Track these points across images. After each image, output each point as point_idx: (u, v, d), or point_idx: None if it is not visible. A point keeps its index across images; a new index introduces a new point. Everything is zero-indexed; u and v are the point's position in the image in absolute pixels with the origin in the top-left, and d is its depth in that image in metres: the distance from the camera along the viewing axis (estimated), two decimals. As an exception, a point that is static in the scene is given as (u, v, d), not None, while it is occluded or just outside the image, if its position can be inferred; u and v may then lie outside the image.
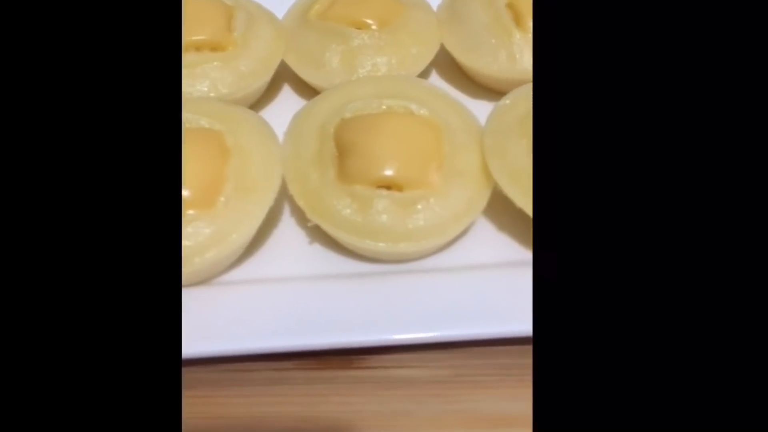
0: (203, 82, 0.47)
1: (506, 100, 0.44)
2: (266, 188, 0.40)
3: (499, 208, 0.42)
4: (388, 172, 0.39)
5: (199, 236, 0.37)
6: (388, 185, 0.39)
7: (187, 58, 0.47)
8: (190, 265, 0.37)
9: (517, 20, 0.49)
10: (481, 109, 0.45)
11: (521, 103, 0.44)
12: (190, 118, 0.41)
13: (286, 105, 0.53)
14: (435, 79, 0.55)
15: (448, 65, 0.55)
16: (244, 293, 0.40)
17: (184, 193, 0.38)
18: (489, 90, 0.53)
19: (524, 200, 0.39)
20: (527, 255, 0.42)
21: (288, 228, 0.44)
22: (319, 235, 0.43)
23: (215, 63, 0.48)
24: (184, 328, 0.37)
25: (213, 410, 0.37)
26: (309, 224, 0.40)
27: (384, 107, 0.43)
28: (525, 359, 0.38)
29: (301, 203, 0.40)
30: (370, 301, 0.39)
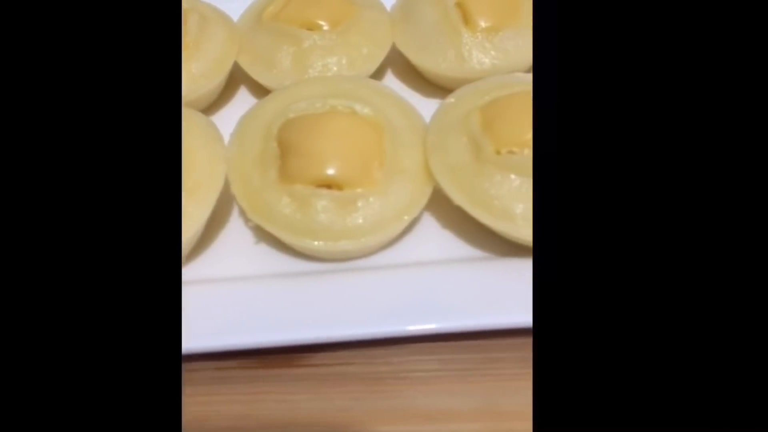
0: (154, 84, 0.48)
1: (451, 99, 0.45)
2: (208, 189, 0.40)
3: (444, 205, 0.42)
4: (328, 171, 0.39)
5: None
6: (329, 184, 0.40)
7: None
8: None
9: (466, 19, 0.49)
10: (433, 108, 0.46)
11: (465, 101, 0.44)
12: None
13: (242, 107, 0.53)
14: (390, 78, 0.56)
15: (403, 65, 0.55)
16: (187, 294, 0.40)
17: None
18: (442, 89, 0.53)
19: (461, 197, 0.39)
20: (471, 251, 0.42)
21: (234, 229, 0.44)
22: (265, 235, 0.43)
23: (165, 66, 0.48)
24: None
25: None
26: (249, 224, 0.40)
27: (328, 107, 0.43)
28: (465, 354, 0.39)
29: (243, 204, 0.40)
30: (312, 299, 0.39)
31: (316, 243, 0.38)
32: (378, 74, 0.55)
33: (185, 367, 0.38)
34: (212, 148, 0.42)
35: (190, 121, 0.43)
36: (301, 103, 0.43)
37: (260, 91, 0.54)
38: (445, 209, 0.43)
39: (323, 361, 0.39)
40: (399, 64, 0.55)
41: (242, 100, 0.55)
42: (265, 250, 0.43)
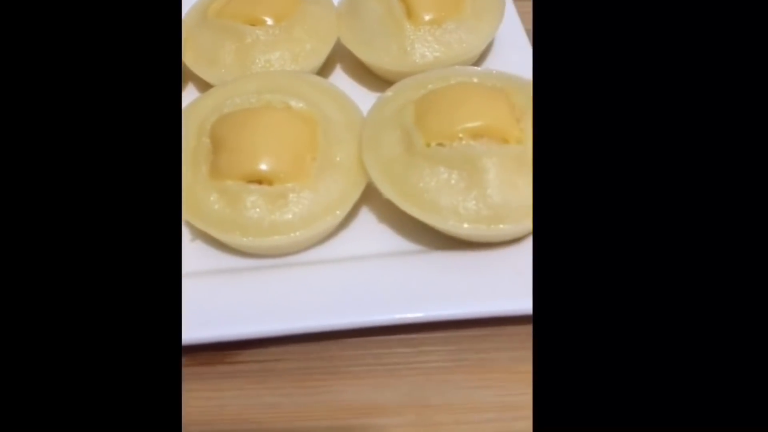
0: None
1: (389, 92, 0.45)
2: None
3: (379, 199, 0.42)
4: (258, 167, 0.39)
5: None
6: (259, 180, 0.39)
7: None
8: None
9: (409, 13, 0.49)
10: (378, 103, 0.45)
11: (402, 94, 0.44)
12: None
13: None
14: (338, 73, 0.56)
15: (351, 60, 0.55)
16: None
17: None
18: (389, 83, 0.53)
19: (391, 191, 0.39)
20: (406, 245, 0.42)
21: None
22: (200, 232, 0.43)
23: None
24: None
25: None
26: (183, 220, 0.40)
27: (263, 102, 0.43)
28: (399, 349, 0.38)
29: (175, 201, 0.40)
30: (243, 295, 0.39)
31: (245, 239, 0.38)
32: (326, 69, 0.54)
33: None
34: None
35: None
36: (236, 98, 0.43)
37: (206, 88, 0.54)
38: (381, 203, 0.42)
39: (253, 358, 0.39)
40: (347, 59, 0.55)
41: (188, 99, 0.54)
42: (198, 246, 0.43)
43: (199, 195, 0.39)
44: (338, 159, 0.41)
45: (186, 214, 0.39)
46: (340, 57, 0.55)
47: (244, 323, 0.37)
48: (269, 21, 0.51)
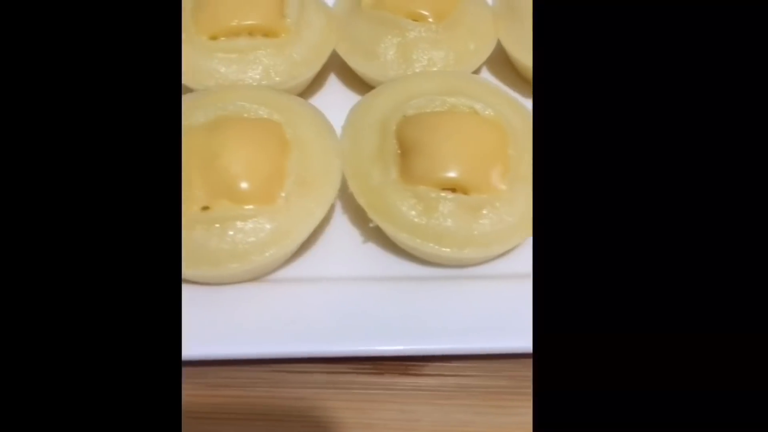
0: (255, 69, 0.46)
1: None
2: (326, 184, 0.38)
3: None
4: (454, 174, 0.38)
5: (260, 233, 0.36)
6: (453, 187, 0.38)
7: (240, 43, 0.46)
8: (248, 262, 0.36)
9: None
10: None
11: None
12: (247, 107, 0.40)
13: (334, 96, 0.52)
14: (486, 76, 0.54)
15: (499, 62, 0.53)
16: (298, 292, 0.38)
17: (244, 185, 0.36)
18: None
19: None
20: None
21: (341, 226, 0.43)
22: (372, 234, 0.41)
23: (269, 50, 0.46)
24: (236, 326, 0.36)
25: (275, 409, 0.36)
26: (371, 225, 0.39)
27: (447, 105, 0.41)
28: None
29: (361, 201, 0.38)
30: (425, 306, 0.38)
31: (442, 249, 0.37)
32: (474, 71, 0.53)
33: (299, 368, 0.37)
34: (325, 141, 0.40)
35: (301, 110, 0.42)
36: (419, 99, 0.42)
37: (352, 79, 0.52)
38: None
39: (438, 371, 0.38)
40: (495, 60, 0.53)
41: (334, 89, 0.53)
42: (372, 249, 0.41)
43: (391, 199, 0.38)
44: (525, 170, 0.39)
45: (376, 217, 0.38)
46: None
47: (426, 338, 0.36)
48: (430, 17, 0.49)
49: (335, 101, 0.49)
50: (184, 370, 0.36)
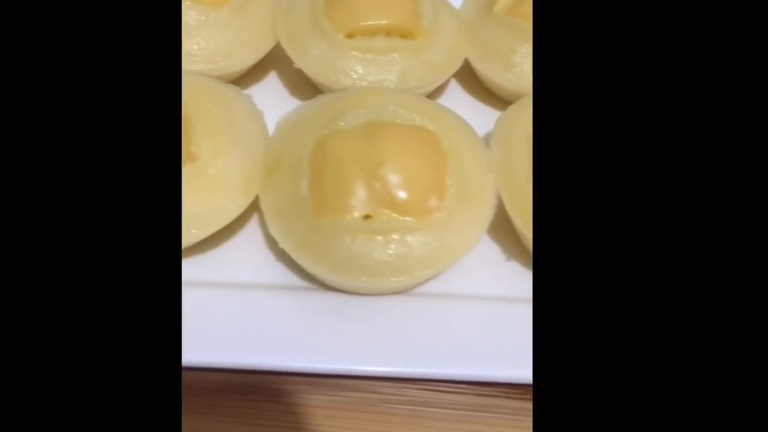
0: (391, 71, 0.44)
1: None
2: (484, 201, 0.37)
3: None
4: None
5: (425, 248, 0.35)
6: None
7: (377, 43, 0.44)
8: (411, 278, 0.35)
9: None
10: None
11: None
12: (401, 113, 0.38)
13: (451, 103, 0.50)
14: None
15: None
16: (445, 308, 0.37)
17: (407, 196, 0.35)
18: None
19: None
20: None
21: (483, 242, 0.41)
22: (515, 252, 0.40)
23: (406, 52, 0.44)
24: (393, 341, 0.35)
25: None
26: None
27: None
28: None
29: (520, 223, 0.37)
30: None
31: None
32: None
33: (441, 387, 0.36)
34: (477, 153, 0.39)
35: (450, 119, 0.40)
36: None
37: (473, 84, 0.51)
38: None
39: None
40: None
41: (456, 95, 0.51)
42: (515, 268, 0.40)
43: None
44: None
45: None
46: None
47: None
48: (566, 28, 0.47)
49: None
50: (322, 383, 0.35)
